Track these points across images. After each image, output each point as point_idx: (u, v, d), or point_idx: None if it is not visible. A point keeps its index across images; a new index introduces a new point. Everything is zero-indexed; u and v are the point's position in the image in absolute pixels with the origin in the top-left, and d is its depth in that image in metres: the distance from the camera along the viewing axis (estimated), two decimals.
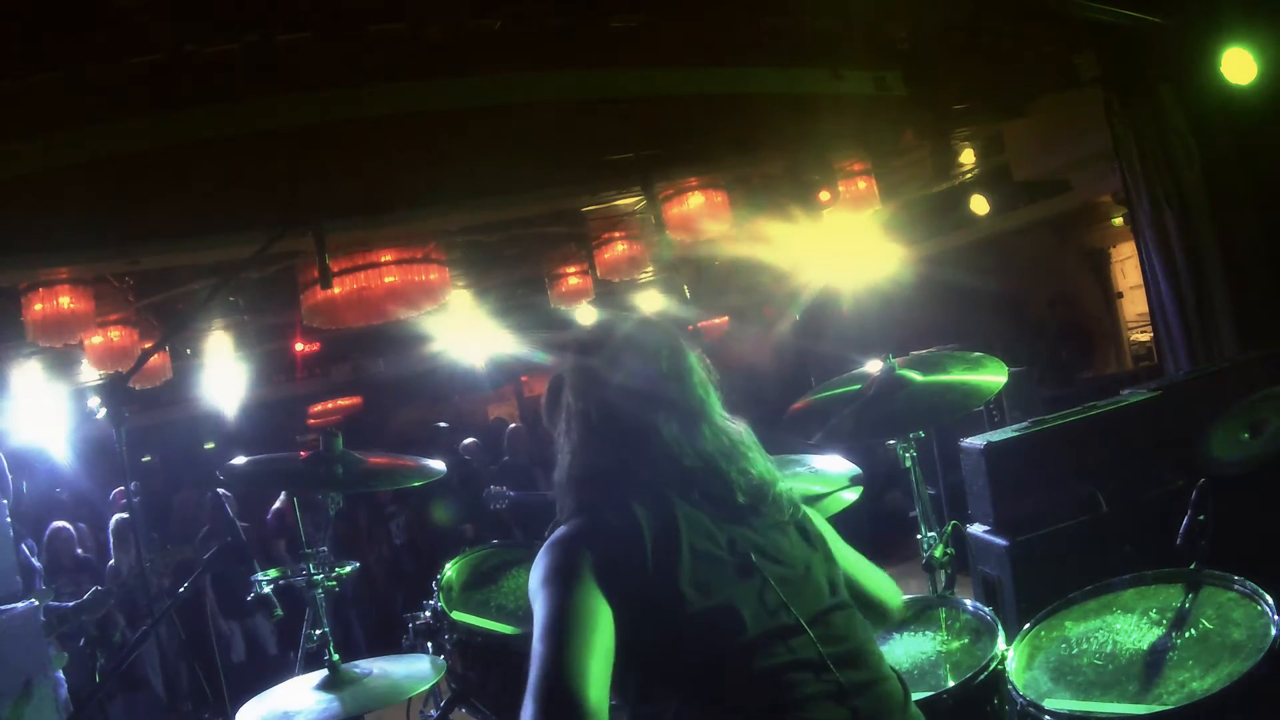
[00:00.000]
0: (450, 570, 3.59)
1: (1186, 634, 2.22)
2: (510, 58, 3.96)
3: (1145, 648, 2.23)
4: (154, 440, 10.12)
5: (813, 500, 2.76)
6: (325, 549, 3.34)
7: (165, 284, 5.35)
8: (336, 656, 3.06)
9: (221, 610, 6.96)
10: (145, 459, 10.18)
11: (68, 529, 6.63)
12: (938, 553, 2.95)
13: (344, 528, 7.87)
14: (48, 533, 6.54)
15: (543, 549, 1.66)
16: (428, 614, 3.48)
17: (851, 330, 9.30)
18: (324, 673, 3.02)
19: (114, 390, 3.54)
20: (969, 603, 2.75)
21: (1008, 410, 5.62)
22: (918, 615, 2.79)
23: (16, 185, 3.43)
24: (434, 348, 9.41)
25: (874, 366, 3.18)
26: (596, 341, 1.86)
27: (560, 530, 1.69)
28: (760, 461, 1.81)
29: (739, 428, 1.84)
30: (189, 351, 7.06)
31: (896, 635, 2.72)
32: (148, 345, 5.28)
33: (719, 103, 4.56)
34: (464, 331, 8.21)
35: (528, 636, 3.31)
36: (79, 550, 6.77)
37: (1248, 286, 4.77)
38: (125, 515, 6.50)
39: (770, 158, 5.15)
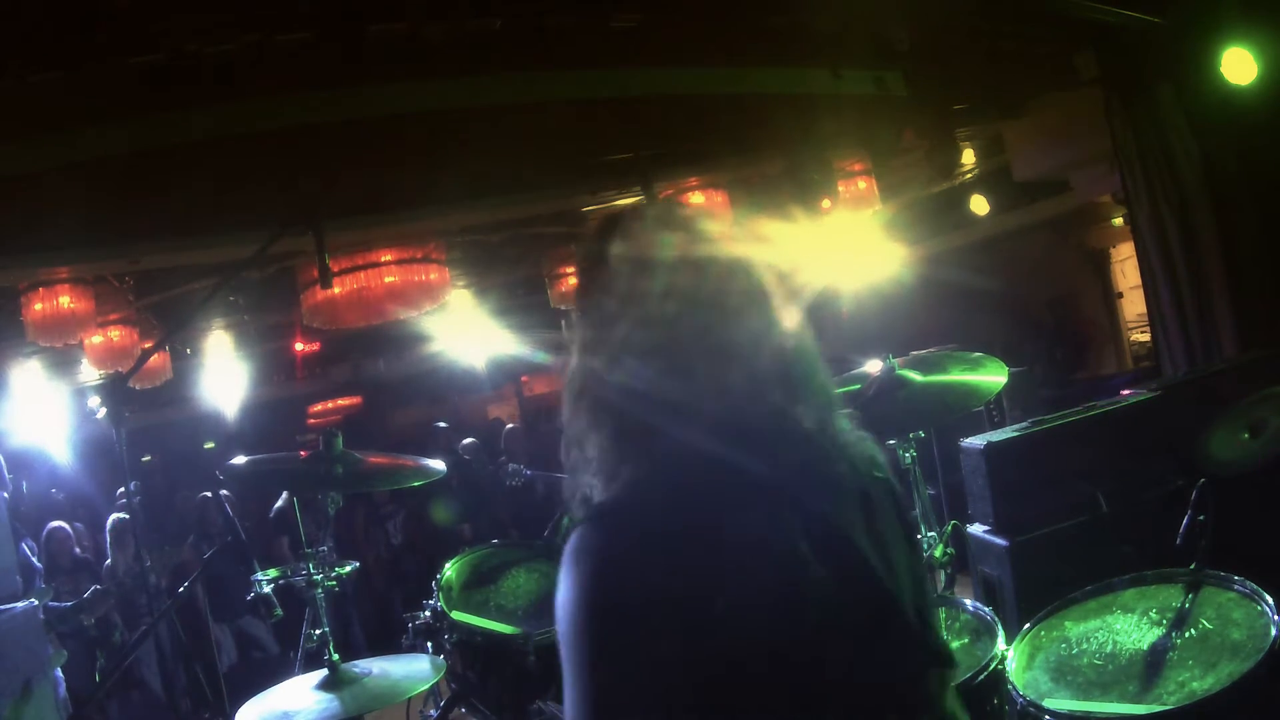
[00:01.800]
0: (450, 570, 3.60)
1: (1186, 634, 2.22)
2: (510, 58, 3.96)
3: (1145, 648, 2.24)
4: (154, 440, 10.13)
5: None
6: (326, 548, 3.34)
7: (165, 284, 5.35)
8: (336, 656, 3.06)
9: (213, 614, 6.92)
10: (145, 459, 10.20)
11: (65, 529, 6.63)
12: (938, 553, 2.96)
13: (341, 528, 7.87)
14: (45, 532, 6.54)
15: (570, 558, 1.14)
16: (428, 614, 3.48)
17: (851, 330, 9.30)
18: (324, 673, 3.02)
19: (114, 390, 3.54)
20: (969, 603, 2.75)
21: (1008, 410, 5.62)
22: None
23: (16, 185, 3.42)
24: (434, 348, 9.42)
25: (874, 366, 3.18)
26: (624, 226, 1.33)
27: (589, 538, 1.15)
28: (831, 401, 1.35)
29: (809, 358, 1.34)
30: (189, 351, 7.06)
31: None
32: (148, 345, 5.28)
33: (719, 103, 4.55)
34: (464, 331, 8.21)
35: (528, 636, 3.32)
36: (77, 550, 6.77)
37: (1248, 286, 4.76)
38: (124, 515, 6.50)
39: (770, 158, 5.14)
